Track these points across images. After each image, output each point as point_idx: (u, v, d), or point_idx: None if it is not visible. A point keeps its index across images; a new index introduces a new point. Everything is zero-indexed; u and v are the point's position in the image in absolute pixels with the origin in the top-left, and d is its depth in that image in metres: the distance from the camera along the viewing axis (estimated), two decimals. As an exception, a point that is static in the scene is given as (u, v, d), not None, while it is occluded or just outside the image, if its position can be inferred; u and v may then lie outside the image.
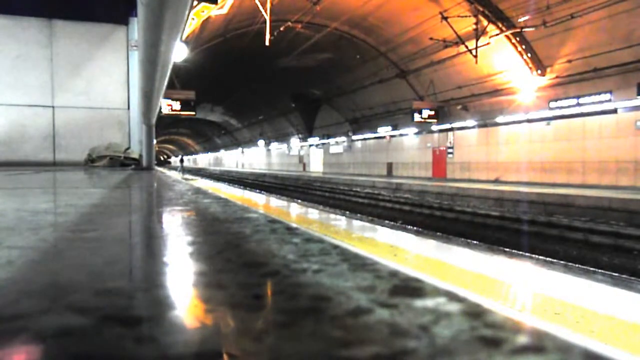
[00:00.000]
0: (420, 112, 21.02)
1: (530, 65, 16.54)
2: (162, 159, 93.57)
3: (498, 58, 17.41)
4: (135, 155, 10.38)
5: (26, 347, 0.58)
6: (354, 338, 0.60)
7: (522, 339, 0.62)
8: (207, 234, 1.58)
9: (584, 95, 15.27)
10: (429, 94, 21.76)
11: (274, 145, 44.52)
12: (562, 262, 6.16)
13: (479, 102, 19.71)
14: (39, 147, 10.36)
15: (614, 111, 14.54)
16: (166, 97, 17.83)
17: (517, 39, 16.26)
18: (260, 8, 15.81)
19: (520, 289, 0.95)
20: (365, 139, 29.44)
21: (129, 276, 1.03)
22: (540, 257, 6.46)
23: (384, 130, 26.78)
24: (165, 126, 46.46)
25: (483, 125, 19.92)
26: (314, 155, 37.23)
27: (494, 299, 0.81)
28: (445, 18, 16.63)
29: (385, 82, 23.16)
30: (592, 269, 6.15)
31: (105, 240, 1.44)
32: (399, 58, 21.98)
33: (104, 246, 1.32)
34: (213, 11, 15.29)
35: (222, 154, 65.87)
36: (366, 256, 1.14)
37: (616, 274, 5.61)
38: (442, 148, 22.77)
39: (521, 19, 15.30)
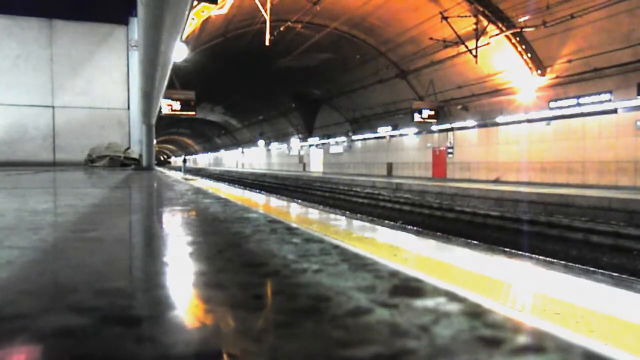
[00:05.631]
0: (420, 112, 21.01)
1: (530, 65, 16.54)
2: (162, 159, 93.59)
3: (498, 58, 17.40)
4: (135, 155, 10.38)
5: (26, 347, 0.58)
6: (354, 338, 0.60)
7: (522, 339, 0.62)
8: (207, 234, 1.58)
9: (584, 95, 15.27)
10: (429, 94, 21.75)
11: (274, 145, 44.52)
12: (562, 262, 6.16)
13: (479, 102, 19.71)
14: (39, 147, 10.37)
15: (614, 111, 14.54)
16: (166, 97, 17.82)
17: (517, 39, 16.26)
18: (260, 8, 15.81)
19: (520, 289, 0.95)
20: (365, 139, 29.44)
21: (129, 276, 1.03)
22: (540, 257, 6.46)
23: (384, 130, 26.78)
24: (165, 126, 46.46)
25: (483, 125, 19.92)
26: (314, 155, 37.23)
27: (494, 299, 0.81)
28: (445, 18, 16.63)
29: (385, 82, 23.16)
30: (592, 269, 6.15)
31: (105, 240, 1.44)
32: (399, 58, 21.98)
33: (104, 246, 1.32)
34: (213, 11, 15.28)
35: (222, 154, 65.86)
36: (366, 256, 1.14)
37: (616, 274, 5.61)
38: (442, 148, 22.76)
39: (521, 19, 15.29)
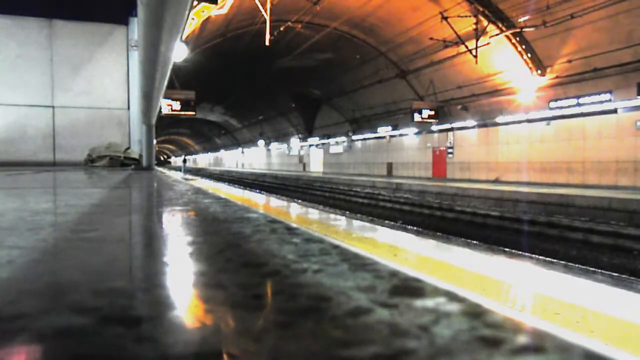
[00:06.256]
0: (420, 112, 21.01)
1: (530, 65, 16.54)
2: (162, 159, 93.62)
3: (498, 58, 17.40)
4: (135, 155, 10.38)
5: (26, 347, 0.58)
6: (354, 338, 0.60)
7: (522, 339, 0.62)
8: (207, 234, 1.58)
9: (584, 95, 15.26)
10: (429, 94, 21.75)
11: (274, 145, 44.53)
12: (562, 262, 6.16)
13: (479, 102, 19.71)
14: (39, 147, 10.37)
15: (614, 111, 14.54)
16: (166, 97, 17.82)
17: (517, 39, 16.26)
18: (260, 8, 15.81)
19: (520, 289, 0.95)
20: (365, 139, 29.44)
21: (129, 276, 1.03)
22: (540, 257, 6.46)
23: (384, 130, 26.78)
24: (165, 126, 46.44)
25: (483, 125, 19.92)
26: (314, 155, 37.23)
27: (494, 299, 0.81)
28: (445, 18, 16.63)
29: (385, 82, 23.16)
30: (592, 269, 6.15)
31: (106, 240, 1.44)
32: (399, 58, 21.98)
33: (104, 246, 1.32)
34: (213, 11, 15.28)
35: (222, 154, 65.88)
36: (366, 256, 1.14)
37: (616, 274, 5.61)
38: (442, 148, 22.77)
39: (521, 19, 15.29)
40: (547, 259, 6.39)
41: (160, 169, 13.95)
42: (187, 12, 4.45)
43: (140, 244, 1.48)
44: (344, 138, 31.71)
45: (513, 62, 16.97)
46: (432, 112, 21.18)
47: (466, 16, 16.30)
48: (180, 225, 1.84)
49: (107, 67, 10.74)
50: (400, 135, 25.83)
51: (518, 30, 15.69)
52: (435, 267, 1.08)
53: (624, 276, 5.65)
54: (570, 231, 8.83)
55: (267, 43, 16.55)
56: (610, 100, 14.50)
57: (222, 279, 0.92)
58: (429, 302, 0.75)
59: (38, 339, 0.60)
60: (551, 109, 16.47)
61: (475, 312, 0.71)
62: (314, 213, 2.36)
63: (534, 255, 6.43)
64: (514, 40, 16.34)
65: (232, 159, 60.42)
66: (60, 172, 7.39)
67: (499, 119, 18.91)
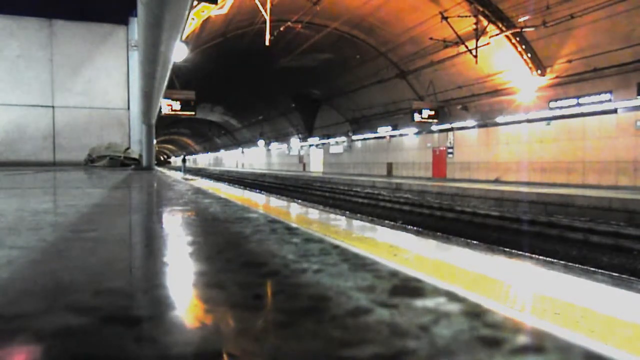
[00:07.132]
0: (420, 112, 21.02)
1: (530, 65, 16.54)
2: (162, 159, 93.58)
3: (498, 58, 17.40)
4: (135, 155, 10.38)
5: (26, 347, 0.58)
6: (354, 338, 0.60)
7: (522, 339, 0.62)
8: (207, 234, 1.58)
9: (584, 95, 15.26)
10: (429, 94, 21.75)
11: (274, 145, 44.52)
12: (562, 262, 6.16)
13: (479, 102, 19.71)
14: (39, 147, 10.37)
15: (614, 111, 14.54)
16: (166, 97, 17.82)
17: (517, 39, 16.26)
18: (260, 8, 15.81)
19: (520, 289, 0.95)
20: (365, 139, 29.44)
21: (129, 276, 1.03)
22: (540, 257, 6.46)
23: (384, 130, 26.78)
24: (165, 126, 46.44)
25: (483, 125, 19.92)
26: (314, 155, 37.23)
27: (494, 299, 0.81)
28: (445, 18, 16.63)
29: (385, 82, 23.16)
30: (592, 269, 6.15)
31: (106, 240, 1.44)
32: (399, 58, 21.98)
33: (104, 246, 1.32)
34: (213, 11, 15.28)
35: (222, 154, 65.87)
36: (366, 256, 1.14)
37: (616, 274, 5.61)
38: (442, 148, 22.76)
39: (521, 19, 15.29)
40: (547, 259, 6.39)
41: (160, 169, 13.94)
42: (187, 12, 4.45)
43: (140, 244, 1.48)
44: (344, 138, 31.71)
45: (513, 62, 16.97)
46: (432, 112, 21.18)
47: (466, 16, 16.30)
48: (180, 225, 1.84)
49: (107, 67, 10.75)
50: (400, 135, 25.83)
51: (518, 30, 15.69)
52: (435, 267, 1.08)
53: (624, 276, 5.65)
54: (571, 231, 8.83)
55: (267, 43, 16.54)
56: (610, 100, 14.50)
57: (222, 279, 0.92)
58: (429, 302, 0.75)
59: (38, 339, 0.60)
60: (551, 109, 16.47)
61: (475, 312, 0.71)
62: (314, 213, 2.36)
63: (533, 255, 6.42)
64: (514, 40, 16.34)
65: (232, 159, 60.41)
66: (60, 172, 7.39)
67: (499, 119, 18.91)
